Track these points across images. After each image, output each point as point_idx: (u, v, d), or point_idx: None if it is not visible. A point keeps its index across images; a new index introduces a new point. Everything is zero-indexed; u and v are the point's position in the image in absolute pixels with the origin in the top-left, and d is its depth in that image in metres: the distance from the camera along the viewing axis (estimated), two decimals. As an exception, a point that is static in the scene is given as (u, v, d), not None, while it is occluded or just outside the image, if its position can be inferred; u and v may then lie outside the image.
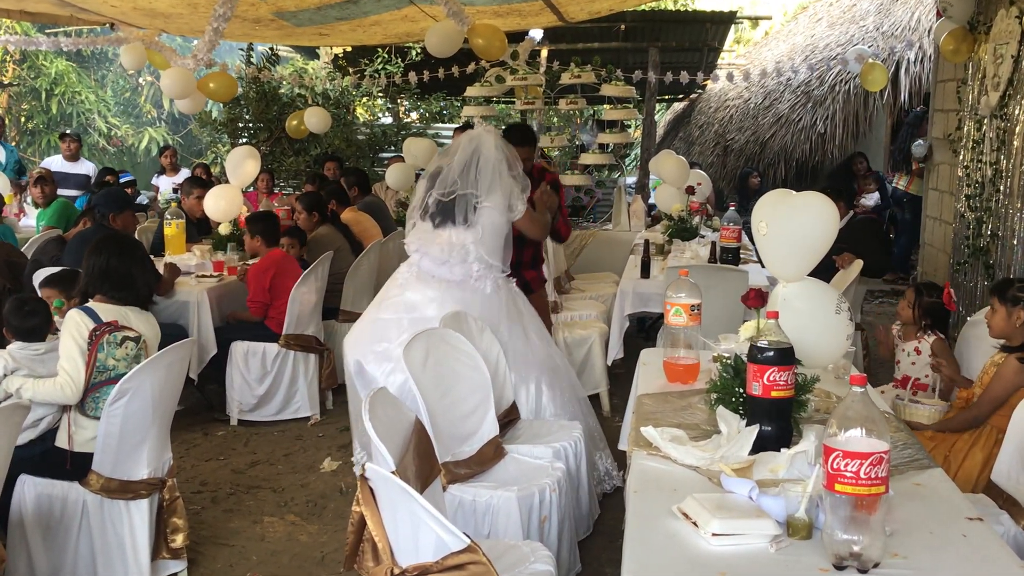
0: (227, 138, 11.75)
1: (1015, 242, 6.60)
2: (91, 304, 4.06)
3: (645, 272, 6.24)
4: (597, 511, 4.53)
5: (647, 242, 6.47)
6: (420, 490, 3.02)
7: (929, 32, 10.35)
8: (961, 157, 7.82)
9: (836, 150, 10.86)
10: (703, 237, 7.30)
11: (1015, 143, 6.67)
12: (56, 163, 10.08)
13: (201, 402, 6.38)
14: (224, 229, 7.03)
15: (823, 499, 2.36)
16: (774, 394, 2.94)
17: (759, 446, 2.90)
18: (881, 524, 2.25)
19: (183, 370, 4.14)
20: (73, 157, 10.08)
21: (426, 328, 4.08)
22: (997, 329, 4.03)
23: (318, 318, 6.25)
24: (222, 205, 6.82)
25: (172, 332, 5.90)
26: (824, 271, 6.50)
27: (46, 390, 3.85)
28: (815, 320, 3.32)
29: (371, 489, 2.74)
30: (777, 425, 2.97)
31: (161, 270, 6.06)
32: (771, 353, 2.93)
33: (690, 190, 7.52)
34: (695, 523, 2.43)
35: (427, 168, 5.10)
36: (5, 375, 3.92)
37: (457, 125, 10.81)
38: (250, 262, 6.91)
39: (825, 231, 3.28)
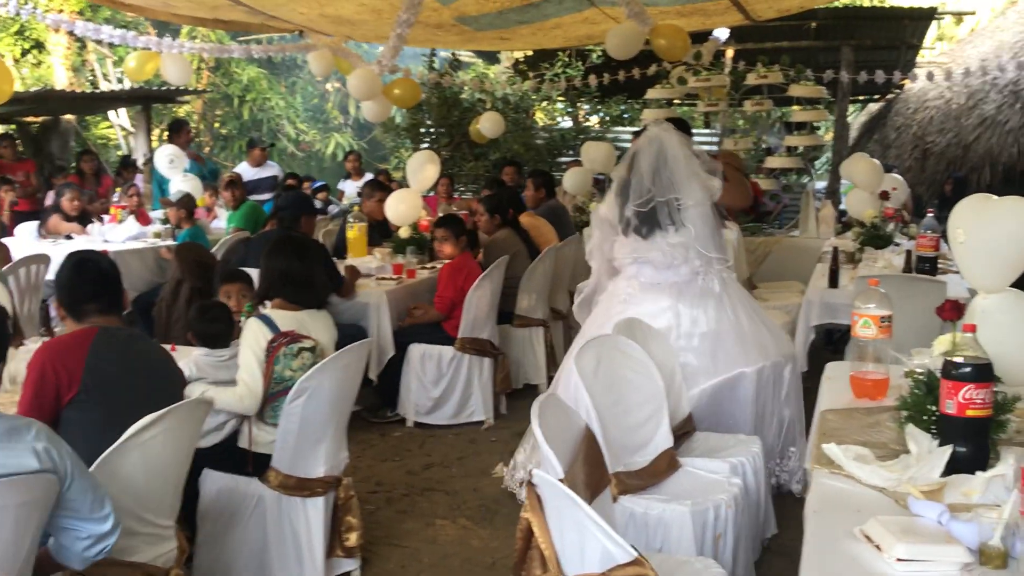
0: (409, 143, 11.97)
1: None
2: (269, 311, 4.14)
3: (833, 281, 5.94)
4: (774, 529, 4.32)
5: (836, 250, 6.17)
6: (588, 499, 2.94)
7: None
8: None
9: (1050, 154, 10.17)
10: (898, 245, 6.90)
11: None
12: (244, 170, 10.47)
13: (378, 403, 6.46)
14: (404, 232, 7.12)
15: (1021, 526, 2.16)
16: (970, 413, 2.71)
17: (952, 468, 2.67)
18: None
19: (360, 370, 4.18)
20: (259, 163, 10.45)
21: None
22: None
23: (493, 322, 6.24)
24: (402, 209, 6.92)
25: (352, 333, 6.04)
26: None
27: (226, 399, 3.94)
28: (1017, 334, 3.04)
29: (538, 496, 2.66)
30: (972, 446, 2.73)
31: (342, 272, 6.20)
32: (967, 369, 2.69)
33: (884, 195, 7.14)
34: (878, 547, 2.24)
35: (614, 181, 4.98)
36: (189, 382, 4.02)
37: (636, 129, 10.67)
38: (431, 264, 7.00)
39: (1030, 239, 3.00)
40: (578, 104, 13.05)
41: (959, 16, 17.00)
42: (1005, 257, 3.03)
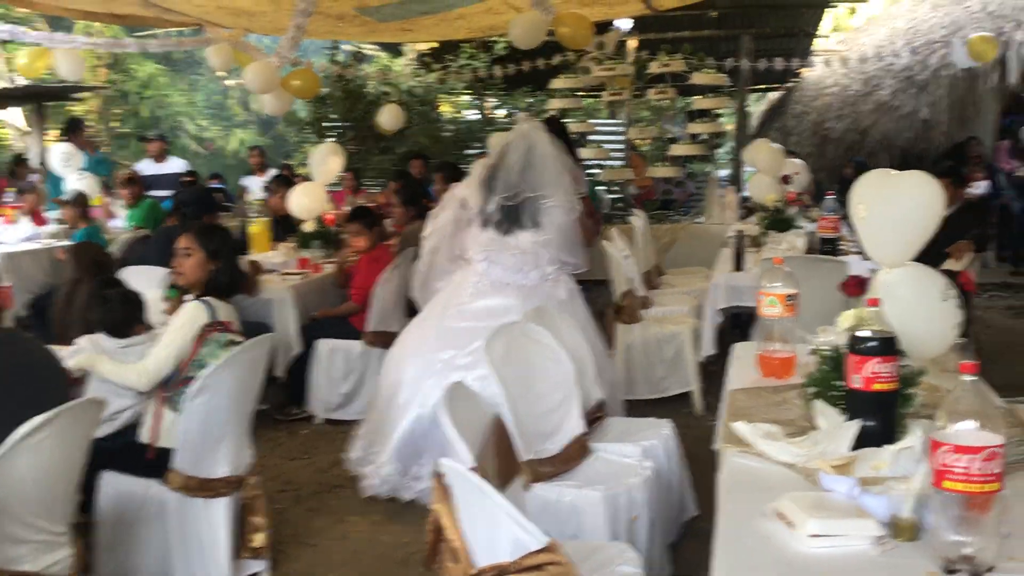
0: (314, 137, 11.78)
1: None
2: (211, 299, 4.00)
3: (739, 265, 6.01)
4: (694, 511, 4.32)
5: (741, 234, 6.23)
6: (499, 488, 2.88)
7: (1039, 9, 9.86)
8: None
9: (941, 137, 10.40)
10: (800, 228, 7.01)
11: None
12: (146, 166, 10.21)
13: (286, 401, 6.33)
14: (309, 227, 6.99)
15: (931, 498, 2.17)
16: (876, 387, 2.72)
17: (860, 443, 2.68)
18: (995, 525, 2.03)
19: (262, 366, 4.06)
20: (160, 157, 10.19)
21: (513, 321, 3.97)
22: None
23: (401, 314, 6.15)
24: (306, 202, 6.79)
25: (257, 331, 5.89)
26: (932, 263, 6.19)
27: (122, 372, 3.81)
28: (919, 308, 3.08)
29: (447, 487, 2.60)
30: (880, 420, 2.75)
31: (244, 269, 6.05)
32: (873, 343, 2.71)
33: (786, 179, 7.24)
34: (791, 524, 2.23)
35: (475, 173, 4.95)
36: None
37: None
38: (337, 259, 6.88)
39: (929, 211, 3.04)
40: (484, 96, 13.00)
41: (852, 6, 17.39)
42: (906, 231, 3.06)
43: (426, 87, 11.74)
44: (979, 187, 10.05)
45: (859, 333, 2.75)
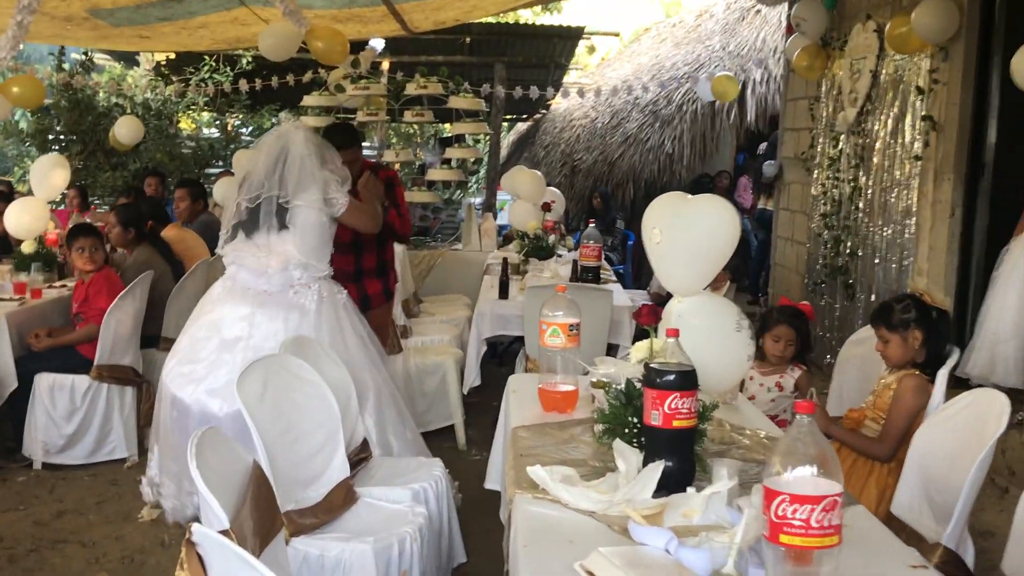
0: (35, 151, 10.72)
1: (876, 260, 6.47)
2: None
3: (504, 293, 5.80)
4: (463, 556, 4.01)
5: (506, 261, 6.03)
6: (259, 548, 2.49)
7: (775, 52, 10.38)
8: (816, 175, 7.72)
9: (684, 171, 10.74)
10: (560, 256, 6.91)
11: (874, 159, 6.57)
12: None
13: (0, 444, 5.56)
14: (28, 247, 6.23)
15: (755, 551, 1.97)
16: (676, 424, 2.54)
17: (660, 485, 2.47)
18: (829, 581, 1.85)
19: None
20: None
21: (261, 355, 3.54)
22: (896, 358, 3.68)
23: (135, 346, 5.54)
24: (25, 220, 6.04)
25: (-37, 364, 5.16)
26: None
27: None
28: (713, 339, 2.93)
29: (199, 556, 2.17)
30: (680, 460, 2.56)
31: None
32: (672, 376, 2.52)
33: (546, 207, 7.13)
34: (606, 584, 1.97)
35: (236, 176, 4.63)
36: None
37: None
38: (60, 283, 6.16)
39: (726, 239, 2.89)
40: (228, 113, 12.31)
41: (597, 38, 17.90)
42: (702, 258, 2.90)
43: (163, 100, 10.95)
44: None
45: (657, 366, 2.56)
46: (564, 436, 3.10)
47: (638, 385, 2.84)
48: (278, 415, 3.37)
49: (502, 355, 7.63)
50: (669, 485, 2.48)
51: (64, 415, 5.32)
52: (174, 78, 10.81)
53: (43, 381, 5.29)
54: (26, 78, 6.94)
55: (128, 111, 10.09)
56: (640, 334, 5.98)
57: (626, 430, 2.75)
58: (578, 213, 11.64)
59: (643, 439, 2.68)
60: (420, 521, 3.38)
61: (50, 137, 10.87)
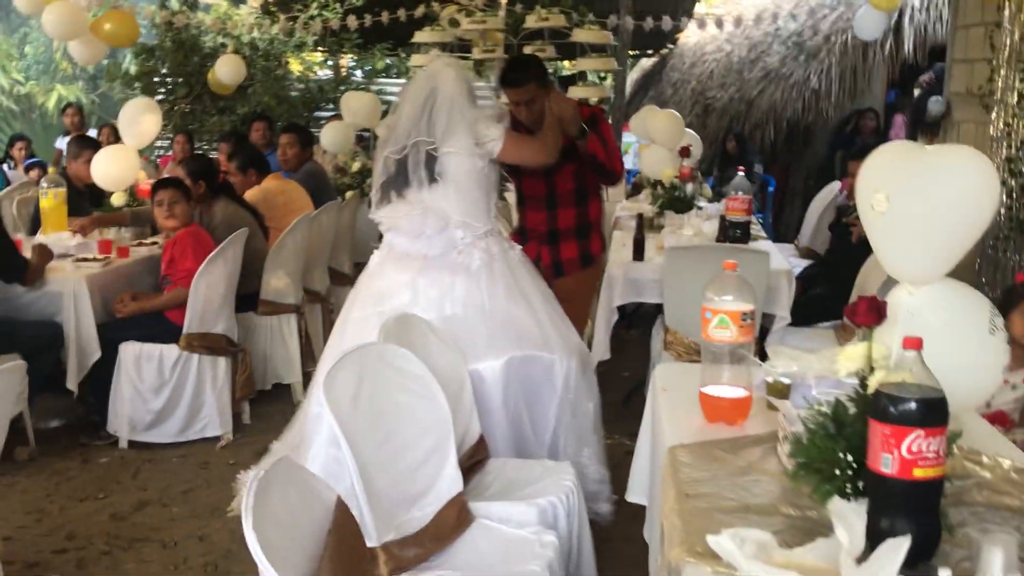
0: (141, 93, 10.31)
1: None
2: None
3: (639, 253, 5.03)
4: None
5: (640, 217, 5.25)
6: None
7: (936, -26, 9.25)
8: (996, 113, 6.70)
9: (831, 108, 9.71)
10: (700, 208, 6.11)
11: (1077, 93, 5.55)
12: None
13: (84, 419, 5.09)
14: (117, 200, 5.76)
15: None
16: (918, 473, 1.81)
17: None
18: None
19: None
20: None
21: (359, 344, 2.88)
22: None
23: (229, 312, 4.99)
24: (112, 171, 5.52)
25: (43, 332, 4.70)
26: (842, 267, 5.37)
27: None
28: (959, 345, 2.15)
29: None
30: (920, 522, 1.83)
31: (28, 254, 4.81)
32: (915, 406, 1.79)
33: (684, 152, 6.32)
34: None
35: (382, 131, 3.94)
36: None
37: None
38: (151, 240, 5.65)
39: (982, 207, 2.09)
40: (338, 54, 11.72)
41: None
42: (947, 233, 2.10)
43: (270, 40, 10.39)
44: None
45: (891, 389, 1.82)
46: (740, 464, 2.36)
47: (851, 407, 2.11)
48: (376, 421, 2.74)
49: (631, 316, 6.89)
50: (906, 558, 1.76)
51: (152, 388, 4.81)
52: (281, 16, 10.25)
53: (129, 351, 4.79)
54: (118, 13, 6.40)
55: (233, 51, 9.56)
56: (809, 306, 5.22)
57: (836, 471, 2.02)
58: (710, 157, 10.71)
59: (859, 484, 1.97)
60: (550, 555, 2.73)
61: (155, 80, 10.45)
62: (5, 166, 9.08)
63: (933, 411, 1.80)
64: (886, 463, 1.82)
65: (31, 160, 9.46)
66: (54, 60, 16.91)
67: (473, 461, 3.23)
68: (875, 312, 2.10)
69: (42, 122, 15.21)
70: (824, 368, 2.61)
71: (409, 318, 3.30)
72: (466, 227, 3.69)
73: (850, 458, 1.99)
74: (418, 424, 2.88)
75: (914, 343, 1.86)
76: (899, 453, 1.80)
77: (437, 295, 3.64)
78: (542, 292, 3.88)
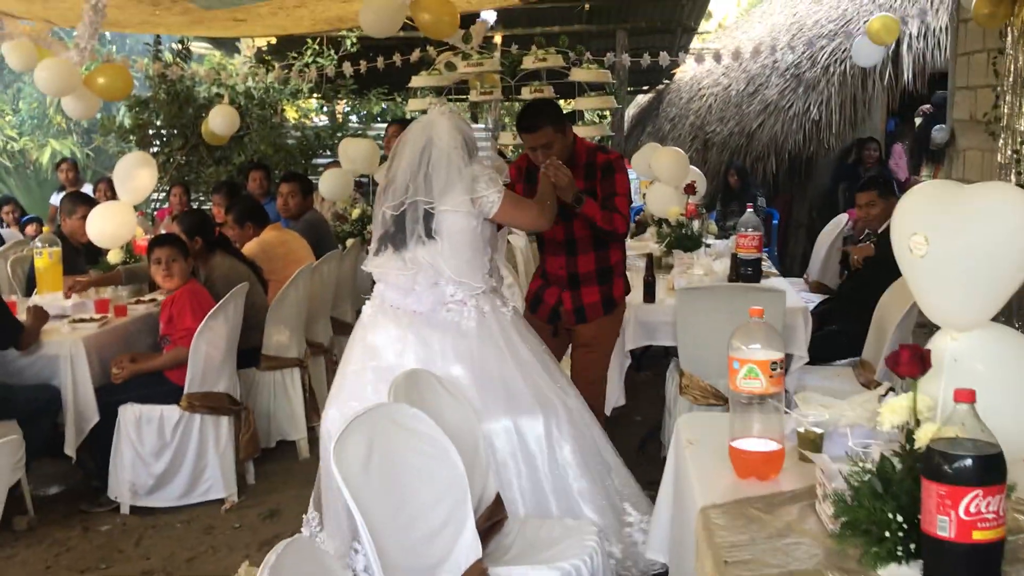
0: (135, 147, 10.22)
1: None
2: None
3: (650, 296, 4.91)
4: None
5: (651, 258, 5.13)
6: None
7: (932, 2, 9.19)
8: (1002, 141, 6.61)
9: (833, 139, 9.63)
10: (709, 247, 5.99)
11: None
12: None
13: (84, 485, 4.94)
14: (114, 257, 5.63)
15: None
16: (978, 536, 1.70)
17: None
18: None
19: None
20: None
21: (369, 406, 2.74)
22: None
23: (231, 369, 4.85)
24: (108, 228, 5.39)
25: (40, 396, 4.56)
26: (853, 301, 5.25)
27: None
28: (1008, 392, 2.02)
29: None
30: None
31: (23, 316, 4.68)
32: (971, 463, 1.68)
33: (690, 189, 6.21)
34: None
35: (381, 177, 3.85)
36: None
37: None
38: (149, 298, 5.52)
39: (1025, 244, 1.98)
40: (334, 100, 11.65)
41: (708, 12, 16.76)
42: (989, 275, 1.98)
43: (265, 88, 10.32)
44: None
45: (944, 446, 1.70)
46: (777, 524, 2.22)
47: (898, 463, 1.98)
48: (389, 488, 2.60)
49: (640, 358, 6.75)
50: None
51: (153, 451, 4.66)
52: (275, 64, 10.19)
53: (128, 413, 4.65)
54: (111, 67, 6.32)
55: (228, 101, 9.48)
56: (825, 342, 5.08)
57: (885, 533, 1.89)
58: (712, 192, 10.60)
59: (911, 546, 1.84)
60: (578, 628, 2.57)
61: (150, 132, 10.37)
62: (-4, 227, 8.98)
63: (991, 468, 1.69)
64: (943, 526, 1.71)
65: (27, 217, 9.37)
66: (48, 115, 16.89)
67: (491, 522, 3.09)
68: (919, 362, 1.98)
69: (36, 177, 15.13)
70: (857, 416, 2.49)
71: (418, 374, 3.18)
72: (458, 285, 3.61)
73: (900, 519, 1.86)
74: (433, 488, 2.74)
75: (966, 396, 1.75)
76: (956, 515, 1.69)
77: (426, 354, 3.55)
78: (534, 351, 3.77)
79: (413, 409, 2.80)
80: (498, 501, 3.19)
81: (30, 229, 8.86)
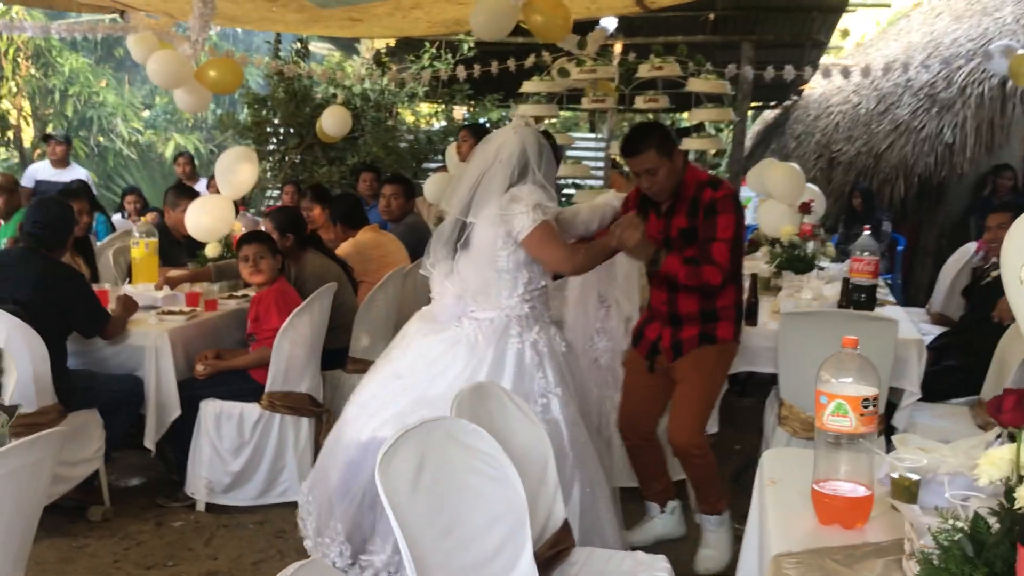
0: (253, 144, 10.32)
1: None
2: None
3: (752, 318, 4.63)
4: None
5: (755, 278, 4.84)
6: None
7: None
8: None
9: (966, 163, 9.08)
10: (822, 269, 5.66)
11: None
12: (43, 170, 8.82)
13: (164, 478, 4.91)
14: (211, 251, 5.62)
15: None
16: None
17: None
18: None
19: (47, 472, 2.66)
20: (61, 162, 8.80)
21: (425, 417, 2.57)
22: None
23: (314, 370, 4.76)
24: (205, 221, 5.38)
25: (123, 387, 4.55)
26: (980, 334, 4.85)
27: None
28: None
29: None
30: None
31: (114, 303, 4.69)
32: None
33: (805, 208, 5.88)
34: None
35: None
36: None
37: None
38: (242, 293, 5.49)
39: None
40: (451, 103, 11.59)
41: (845, 30, 16.16)
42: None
43: (381, 91, 10.31)
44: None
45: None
46: (859, 582, 1.98)
47: (993, 523, 1.71)
48: (438, 508, 2.42)
49: (744, 383, 6.45)
50: None
51: (231, 449, 4.60)
52: (393, 66, 10.17)
53: (209, 408, 4.60)
54: (222, 60, 6.34)
55: (341, 101, 9.50)
56: (941, 379, 4.72)
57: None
58: (835, 213, 10.15)
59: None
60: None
61: (268, 130, 10.48)
62: (119, 215, 9.17)
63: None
64: (1045, 602, 1.44)
65: (149, 208, 9.56)
66: (177, 110, 17.37)
67: (555, 551, 2.89)
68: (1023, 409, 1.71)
69: (160, 170, 15.53)
70: (959, 463, 2.22)
71: (486, 387, 2.99)
72: (477, 301, 3.55)
73: (992, 585, 1.60)
74: (488, 511, 2.55)
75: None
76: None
77: (424, 365, 3.54)
78: (551, 387, 3.58)
79: (472, 425, 2.62)
80: (565, 528, 2.98)
81: (149, 218, 9.02)
